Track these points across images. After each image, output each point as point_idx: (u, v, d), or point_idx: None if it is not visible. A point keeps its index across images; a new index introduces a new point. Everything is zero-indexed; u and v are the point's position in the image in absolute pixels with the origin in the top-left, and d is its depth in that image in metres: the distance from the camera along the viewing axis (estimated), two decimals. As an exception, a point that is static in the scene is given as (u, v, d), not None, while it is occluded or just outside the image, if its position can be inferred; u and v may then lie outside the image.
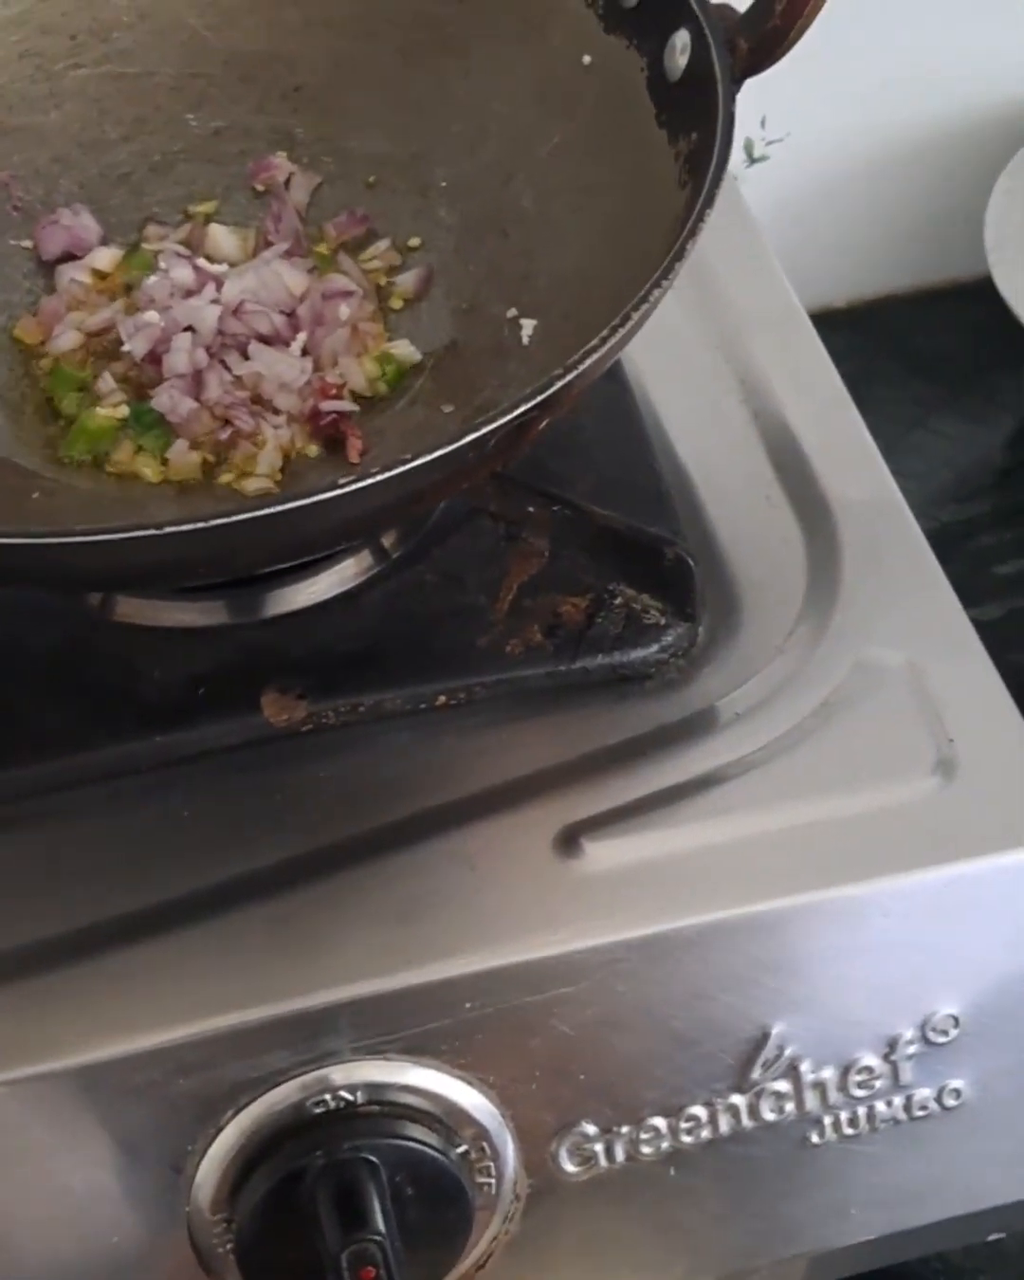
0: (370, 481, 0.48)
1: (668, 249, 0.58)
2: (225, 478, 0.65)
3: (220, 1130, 0.55)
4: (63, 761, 0.61)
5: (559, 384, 0.50)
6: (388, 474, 0.48)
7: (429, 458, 0.48)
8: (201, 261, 0.69)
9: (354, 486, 0.48)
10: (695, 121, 0.61)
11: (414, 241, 0.72)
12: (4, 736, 0.61)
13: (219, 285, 0.67)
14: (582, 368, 0.51)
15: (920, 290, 1.20)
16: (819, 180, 1.12)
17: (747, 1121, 0.59)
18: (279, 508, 0.47)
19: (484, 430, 0.49)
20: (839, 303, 1.16)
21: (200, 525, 0.47)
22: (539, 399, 0.50)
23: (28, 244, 0.73)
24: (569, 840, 0.58)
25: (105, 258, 0.72)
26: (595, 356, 0.51)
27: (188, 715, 0.61)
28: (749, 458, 0.71)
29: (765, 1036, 0.58)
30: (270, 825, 0.60)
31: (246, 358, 0.66)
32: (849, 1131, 0.60)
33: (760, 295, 0.78)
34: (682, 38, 0.62)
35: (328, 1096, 0.55)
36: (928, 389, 1.15)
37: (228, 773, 0.61)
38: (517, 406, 0.50)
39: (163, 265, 0.69)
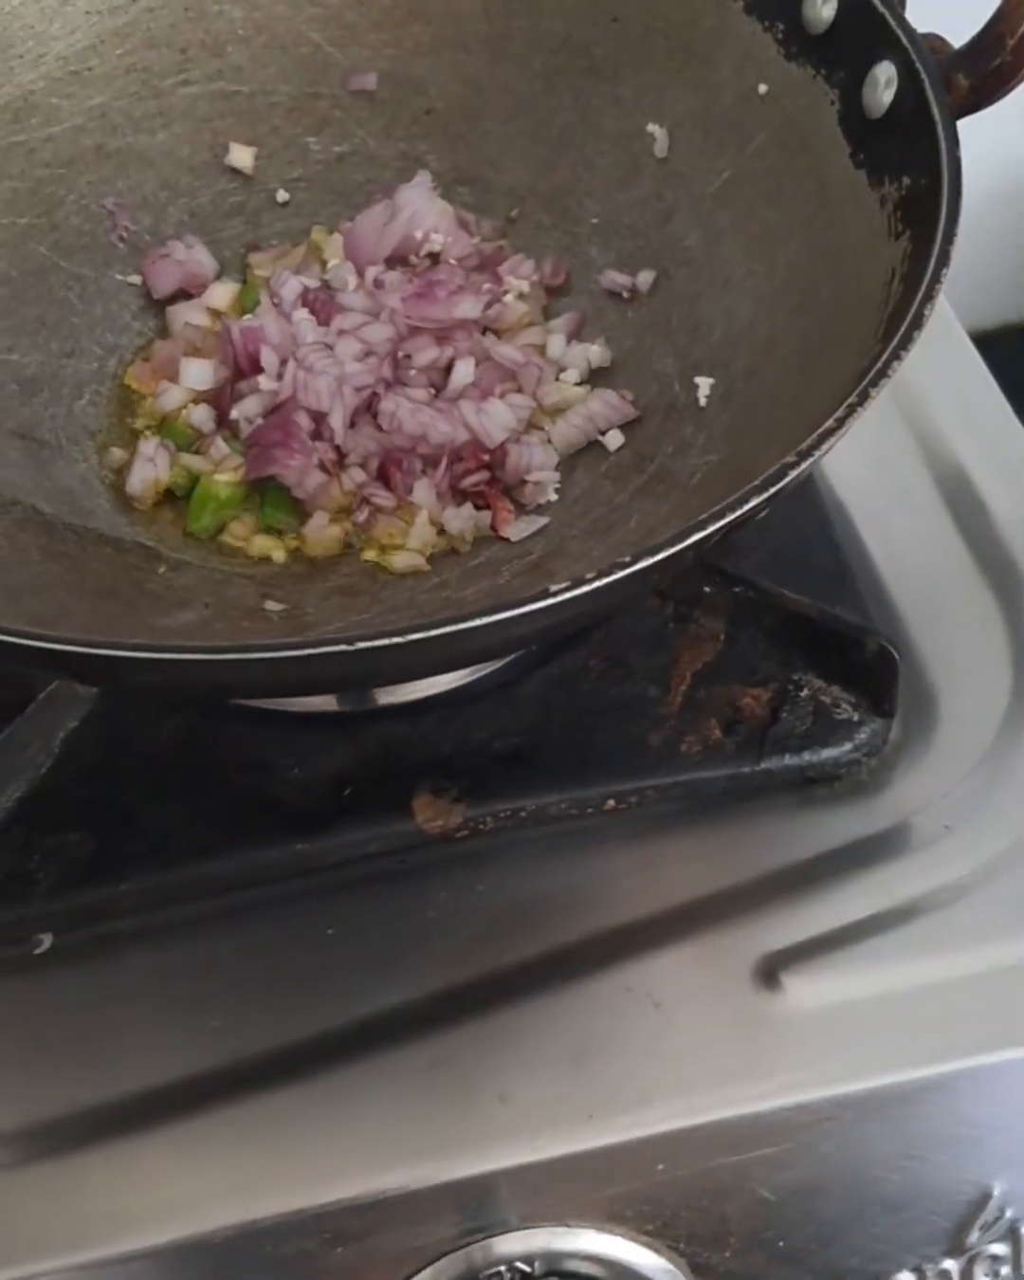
0: (587, 588, 0.41)
1: (880, 305, 0.51)
2: (368, 553, 0.58)
3: (379, 1307, 0.49)
4: (191, 869, 0.55)
5: (792, 474, 0.44)
6: (605, 580, 0.42)
7: (651, 561, 0.42)
8: (350, 296, 0.62)
9: (567, 595, 0.41)
10: (907, 165, 0.54)
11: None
12: (126, 842, 0.55)
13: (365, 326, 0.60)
14: (819, 453, 0.44)
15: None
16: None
17: (958, 1288, 0.53)
18: (484, 620, 0.41)
19: (715, 526, 0.43)
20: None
21: (394, 640, 0.41)
22: (773, 490, 0.44)
23: (136, 279, 0.66)
24: (767, 974, 0.51)
25: (223, 296, 0.66)
26: (833, 439, 0.45)
27: (330, 819, 0.55)
28: (932, 521, 0.64)
29: (986, 1197, 0.51)
30: (423, 948, 0.53)
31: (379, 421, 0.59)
32: (1066, 1295, 0.54)
33: (932, 337, 0.71)
34: (884, 70, 0.56)
35: (502, 1268, 0.49)
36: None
37: (374, 884, 0.55)
38: (747, 499, 0.43)
39: (282, 303, 0.62)
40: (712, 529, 0.42)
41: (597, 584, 0.41)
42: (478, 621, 0.41)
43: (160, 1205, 0.48)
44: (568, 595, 0.41)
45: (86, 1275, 0.47)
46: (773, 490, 0.43)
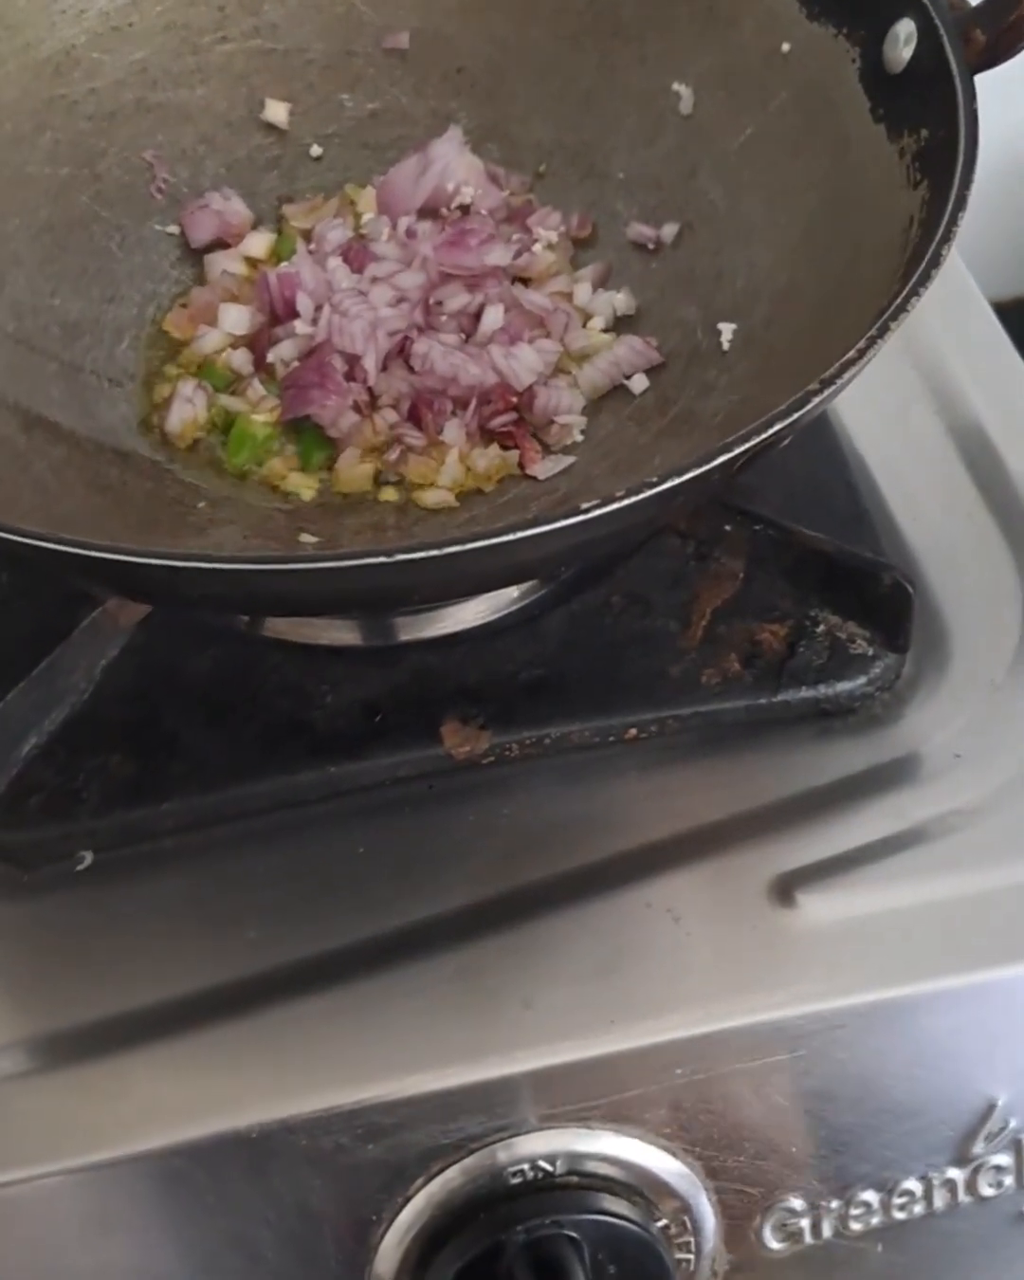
0: (617, 506, 0.43)
1: (899, 251, 0.53)
2: (387, 495, 0.60)
3: (408, 1200, 0.51)
4: (227, 792, 0.57)
5: (816, 400, 0.46)
6: (634, 498, 0.44)
7: (679, 480, 0.44)
8: (383, 245, 0.64)
9: (601, 510, 0.43)
10: (925, 117, 0.56)
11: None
12: (164, 764, 0.57)
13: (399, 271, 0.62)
14: (840, 383, 0.46)
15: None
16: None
17: (963, 1196, 0.55)
18: (519, 534, 0.43)
19: (737, 451, 0.45)
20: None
21: (432, 553, 0.43)
22: (797, 415, 0.45)
23: (174, 229, 0.68)
24: (782, 892, 0.53)
25: (259, 244, 0.68)
26: (854, 369, 0.47)
27: (361, 744, 0.57)
28: (945, 469, 0.66)
29: (991, 1108, 0.53)
30: (452, 866, 0.55)
31: (411, 363, 0.61)
32: (1067, 1208, 0.56)
33: (941, 288, 0.73)
34: (905, 27, 0.58)
35: (525, 1166, 0.51)
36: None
37: (403, 807, 0.57)
38: (772, 423, 0.45)
39: (323, 250, 0.64)
40: (737, 450, 0.44)
41: (627, 502, 0.43)
42: (511, 536, 0.43)
43: (201, 1102, 0.50)
44: (599, 512, 0.43)
45: (133, 1167, 0.50)
46: (796, 415, 0.45)
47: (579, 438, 0.61)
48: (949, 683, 0.59)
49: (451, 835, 0.56)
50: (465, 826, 0.56)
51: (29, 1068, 0.52)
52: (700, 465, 0.44)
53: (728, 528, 0.60)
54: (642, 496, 0.44)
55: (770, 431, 0.45)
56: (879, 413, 0.68)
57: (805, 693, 0.58)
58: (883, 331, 0.47)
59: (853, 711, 0.58)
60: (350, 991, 0.52)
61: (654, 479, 0.44)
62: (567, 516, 0.43)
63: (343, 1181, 0.51)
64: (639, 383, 0.61)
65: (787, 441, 0.47)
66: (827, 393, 0.46)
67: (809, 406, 0.45)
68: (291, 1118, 0.50)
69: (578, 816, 0.56)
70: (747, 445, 0.44)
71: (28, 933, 0.56)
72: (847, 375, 0.46)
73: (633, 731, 0.58)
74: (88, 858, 0.56)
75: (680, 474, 0.44)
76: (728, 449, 0.44)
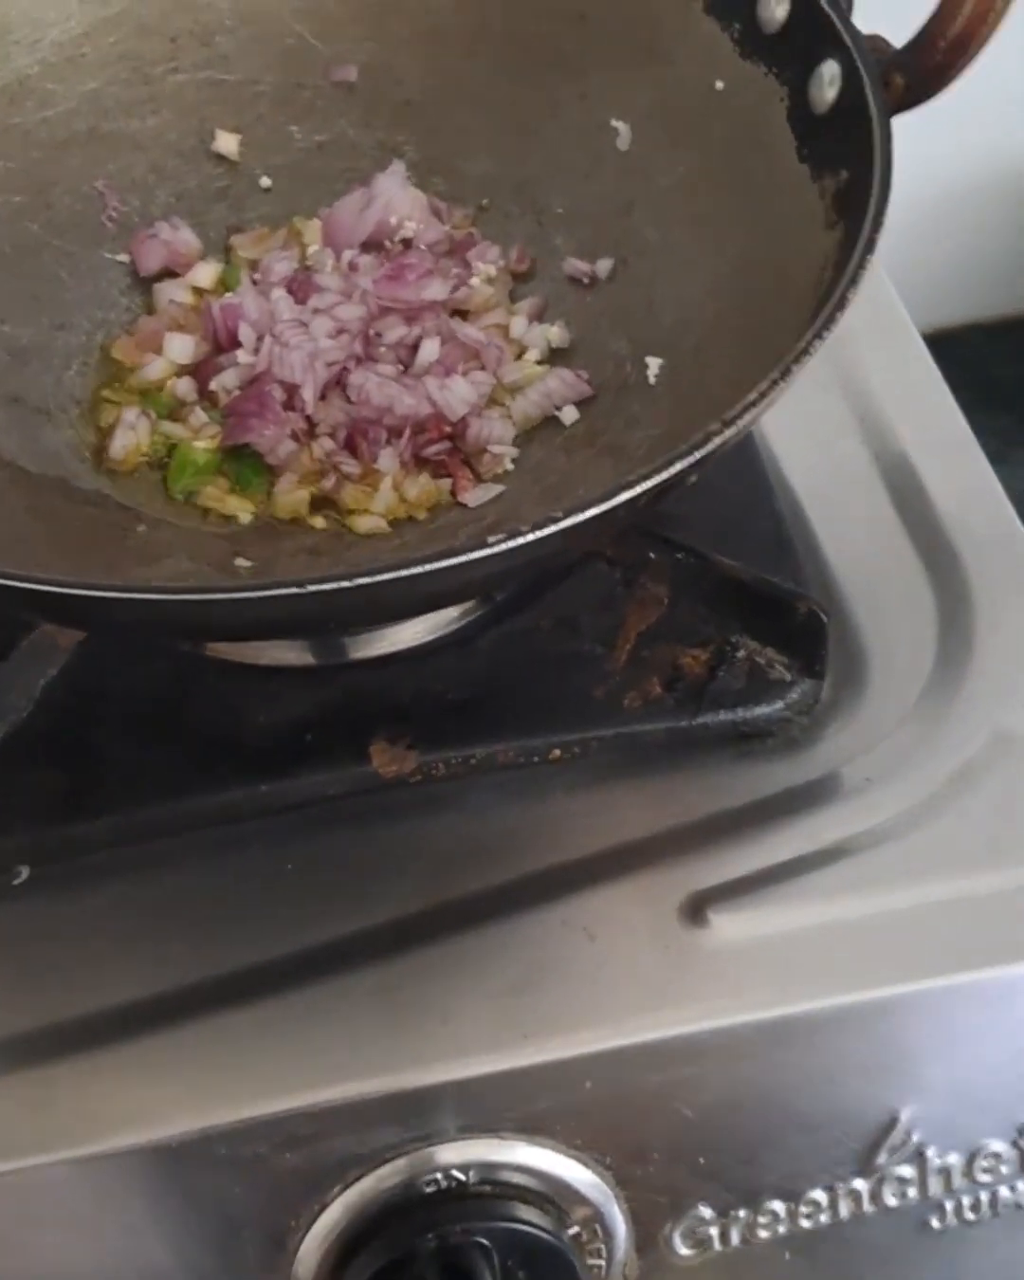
0: (535, 536, 0.45)
1: (814, 291, 0.55)
2: (317, 520, 0.62)
3: (325, 1207, 0.52)
4: (161, 808, 0.58)
5: (717, 441, 0.48)
6: (554, 528, 0.45)
7: (596, 511, 0.46)
8: (326, 276, 0.65)
9: (523, 540, 0.45)
10: (845, 159, 0.58)
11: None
12: (100, 781, 0.59)
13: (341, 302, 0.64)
14: (743, 422, 0.48)
15: (1001, 320, 1.17)
16: (905, 205, 1.09)
17: (867, 1206, 0.56)
18: (441, 564, 0.45)
19: (644, 486, 0.46)
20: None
21: (350, 583, 0.44)
22: (698, 455, 0.47)
23: (124, 257, 0.70)
24: (694, 911, 0.55)
25: (206, 274, 0.69)
26: (755, 411, 0.48)
27: (292, 763, 0.59)
28: (870, 499, 0.68)
29: (893, 1121, 0.55)
30: (377, 882, 0.57)
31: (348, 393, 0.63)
32: (970, 1217, 0.58)
33: (875, 321, 0.75)
34: (829, 69, 0.59)
35: (438, 1175, 0.52)
36: (1010, 420, 1.12)
37: (332, 824, 0.59)
38: (673, 463, 0.47)
39: (269, 280, 0.66)
40: (639, 489, 0.46)
41: (531, 537, 0.45)
42: (422, 567, 0.44)
43: (124, 1112, 0.52)
44: (506, 546, 0.45)
45: (55, 1175, 0.51)
46: (698, 455, 0.47)
47: (511, 467, 0.63)
48: (865, 707, 0.61)
49: (379, 853, 0.58)
50: (394, 844, 0.58)
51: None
52: (603, 502, 0.46)
53: (653, 555, 0.62)
54: (546, 532, 0.45)
55: (672, 470, 0.46)
56: (808, 440, 0.70)
57: (725, 716, 0.60)
58: (785, 374, 0.49)
59: (771, 734, 0.60)
60: (274, 1005, 0.54)
61: (559, 513, 0.46)
62: (474, 549, 0.45)
63: (263, 1189, 0.52)
64: (570, 414, 0.63)
65: (694, 479, 0.49)
66: (727, 433, 0.48)
67: (711, 446, 0.47)
68: (212, 1127, 0.51)
69: (502, 835, 0.58)
70: (647, 484, 0.46)
71: (-35, 944, 0.57)
72: (748, 416, 0.48)
73: (557, 752, 0.59)
74: (24, 872, 0.58)
75: (582, 510, 0.46)
76: (630, 486, 0.46)
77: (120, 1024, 0.54)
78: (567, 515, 0.46)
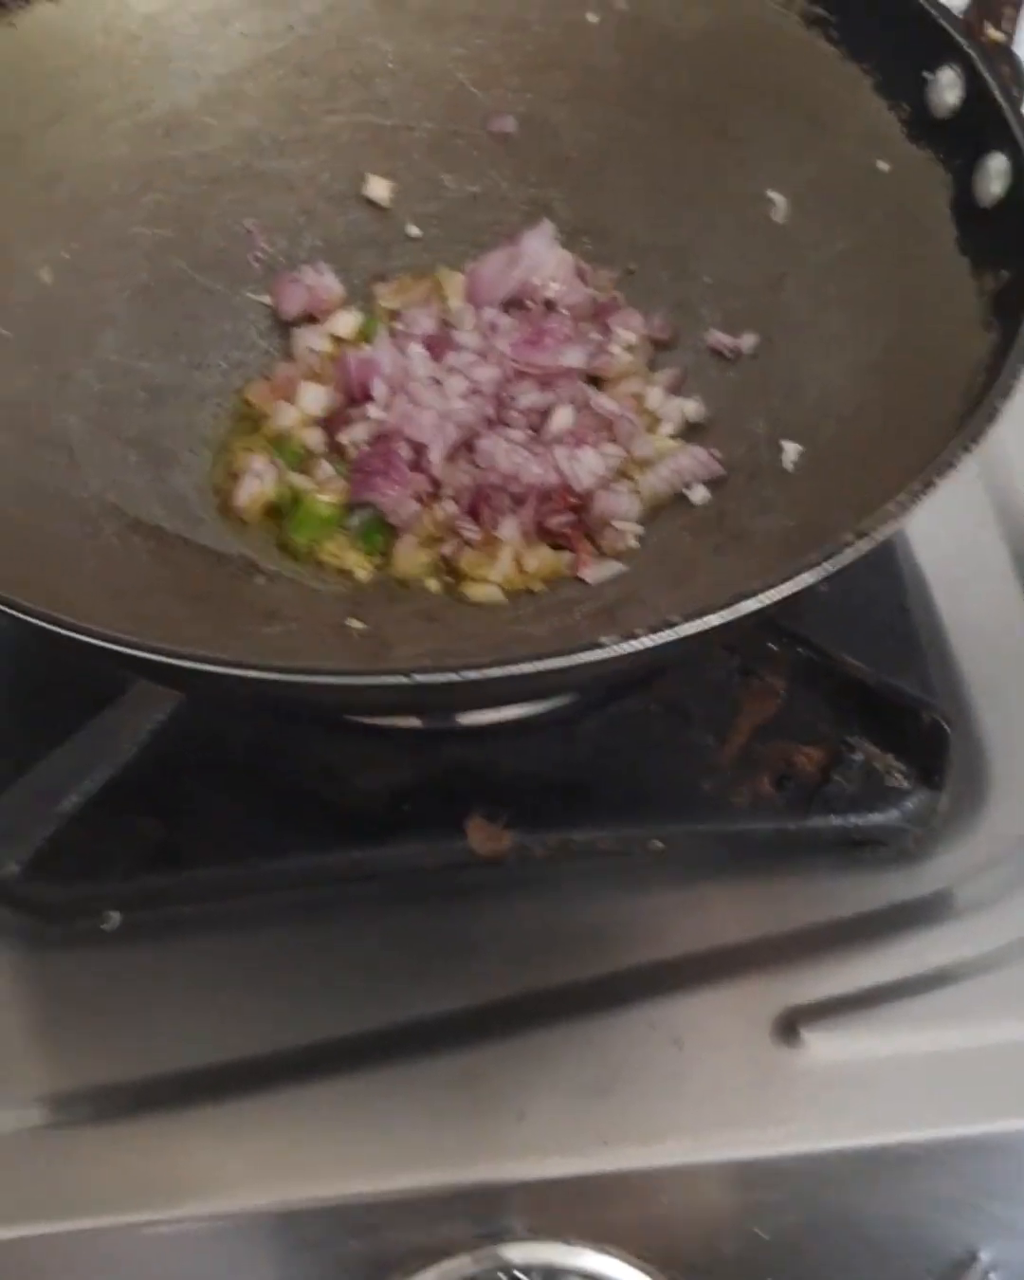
0: (648, 642, 0.44)
1: (964, 393, 0.53)
2: (432, 582, 0.61)
3: (384, 1296, 0.51)
4: (254, 866, 0.58)
5: (852, 551, 0.46)
6: (670, 635, 0.44)
7: (716, 620, 0.44)
8: (465, 334, 0.65)
9: (635, 645, 0.44)
10: (1007, 257, 0.56)
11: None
12: (197, 833, 0.58)
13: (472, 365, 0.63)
14: (879, 534, 0.46)
15: None
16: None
17: (939, 1344, 0.54)
18: (548, 663, 0.43)
19: (770, 598, 0.45)
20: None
21: (457, 677, 0.43)
22: (830, 567, 0.46)
23: (266, 299, 0.69)
24: (787, 1027, 0.53)
25: (346, 324, 0.69)
26: (894, 523, 0.47)
27: (387, 831, 0.58)
28: (1005, 599, 0.66)
29: (972, 1258, 0.53)
30: (462, 963, 0.56)
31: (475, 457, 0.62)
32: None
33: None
34: (998, 162, 0.57)
35: (501, 1275, 0.51)
36: None
37: (421, 897, 0.58)
38: (802, 573, 0.46)
39: (408, 338, 0.66)
40: (764, 601, 0.45)
41: (645, 643, 0.44)
42: (529, 666, 0.43)
43: (190, 1179, 0.51)
44: (618, 650, 0.44)
45: (111, 1236, 0.51)
46: (830, 567, 0.45)
47: (634, 544, 0.61)
48: (984, 824, 0.59)
49: (467, 932, 0.57)
50: (482, 924, 0.57)
51: (37, 1123, 0.53)
52: (724, 611, 0.44)
53: (772, 646, 0.60)
54: (662, 638, 0.44)
55: (800, 582, 0.45)
56: (943, 529, 0.67)
57: (835, 821, 0.58)
58: (927, 485, 0.47)
59: (882, 845, 0.58)
60: (348, 1082, 0.53)
61: (676, 618, 0.44)
62: (581, 651, 0.44)
63: (324, 1271, 0.51)
64: (699, 493, 0.62)
65: (822, 587, 0.47)
66: (862, 545, 0.46)
67: (844, 558, 0.45)
68: (278, 1204, 0.51)
69: (593, 925, 0.57)
70: (773, 596, 0.44)
71: (50, 986, 0.57)
72: (885, 528, 0.46)
73: (658, 843, 0.58)
74: (115, 918, 0.58)
75: (701, 617, 0.44)
76: (754, 595, 0.45)
77: (194, 1086, 0.53)
78: (684, 621, 0.44)
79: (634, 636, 0.44)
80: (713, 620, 0.44)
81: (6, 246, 0.63)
